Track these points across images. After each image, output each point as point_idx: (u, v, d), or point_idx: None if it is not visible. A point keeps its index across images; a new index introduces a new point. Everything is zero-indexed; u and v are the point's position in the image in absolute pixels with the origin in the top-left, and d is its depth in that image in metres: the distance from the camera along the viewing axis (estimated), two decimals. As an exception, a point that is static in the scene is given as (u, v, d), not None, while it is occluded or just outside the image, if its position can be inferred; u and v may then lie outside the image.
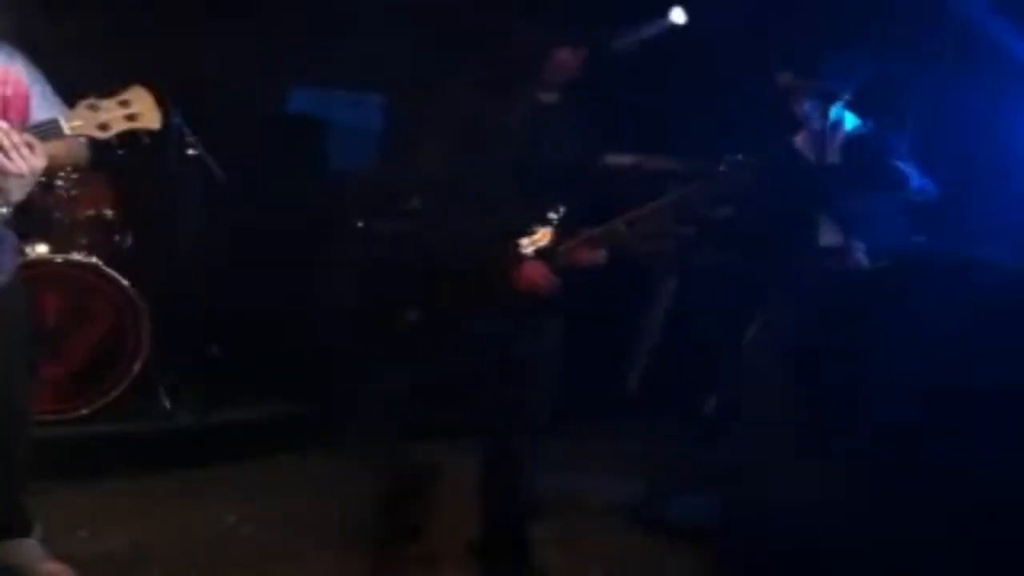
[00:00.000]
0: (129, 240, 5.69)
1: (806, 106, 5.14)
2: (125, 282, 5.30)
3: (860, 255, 5.00)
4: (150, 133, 3.42)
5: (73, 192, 5.36)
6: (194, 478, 5.12)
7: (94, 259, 5.31)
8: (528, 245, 3.72)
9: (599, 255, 3.83)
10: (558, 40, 3.72)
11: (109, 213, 5.56)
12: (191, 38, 6.48)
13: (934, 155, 5.26)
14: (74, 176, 5.30)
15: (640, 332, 6.87)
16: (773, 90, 5.18)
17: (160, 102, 3.45)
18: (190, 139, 5.62)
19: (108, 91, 3.37)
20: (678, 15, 6.94)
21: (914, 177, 5.02)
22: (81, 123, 3.28)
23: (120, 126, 3.31)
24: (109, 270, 5.29)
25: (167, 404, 5.38)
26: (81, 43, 5.98)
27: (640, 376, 6.84)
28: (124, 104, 3.32)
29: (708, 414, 5.58)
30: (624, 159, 5.90)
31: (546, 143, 3.77)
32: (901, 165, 5.04)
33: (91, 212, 5.48)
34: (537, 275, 3.67)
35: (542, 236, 3.74)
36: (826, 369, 3.98)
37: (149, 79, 5.57)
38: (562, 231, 3.77)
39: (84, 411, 5.17)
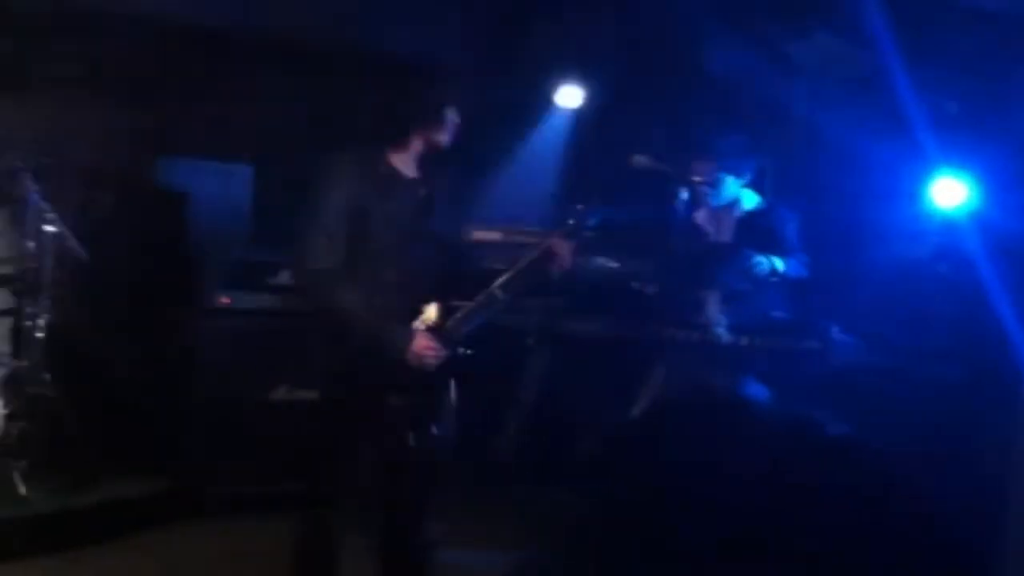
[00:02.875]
0: (-16, 318, 5.55)
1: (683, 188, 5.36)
2: (-23, 364, 5.16)
3: (721, 330, 5.13)
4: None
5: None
6: (54, 565, 4.98)
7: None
8: (419, 324, 3.85)
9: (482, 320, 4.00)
10: (452, 99, 3.95)
11: (-37, 291, 5.42)
12: (58, 106, 6.41)
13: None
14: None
15: (513, 402, 6.91)
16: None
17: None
18: (48, 215, 5.53)
19: None
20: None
21: (774, 259, 5.23)
22: None
23: None
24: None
25: (23, 489, 5.20)
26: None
27: (513, 446, 6.87)
28: None
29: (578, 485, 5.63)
30: (492, 234, 5.96)
31: (421, 221, 3.93)
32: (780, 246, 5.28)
33: (-56, 291, 5.34)
34: (424, 346, 3.80)
35: (429, 314, 3.88)
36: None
37: (10, 152, 5.57)
38: (446, 305, 3.92)
39: (-66, 500, 4.99)
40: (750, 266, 5.19)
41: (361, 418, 3.85)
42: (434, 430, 3.89)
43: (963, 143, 5.50)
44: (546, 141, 7.61)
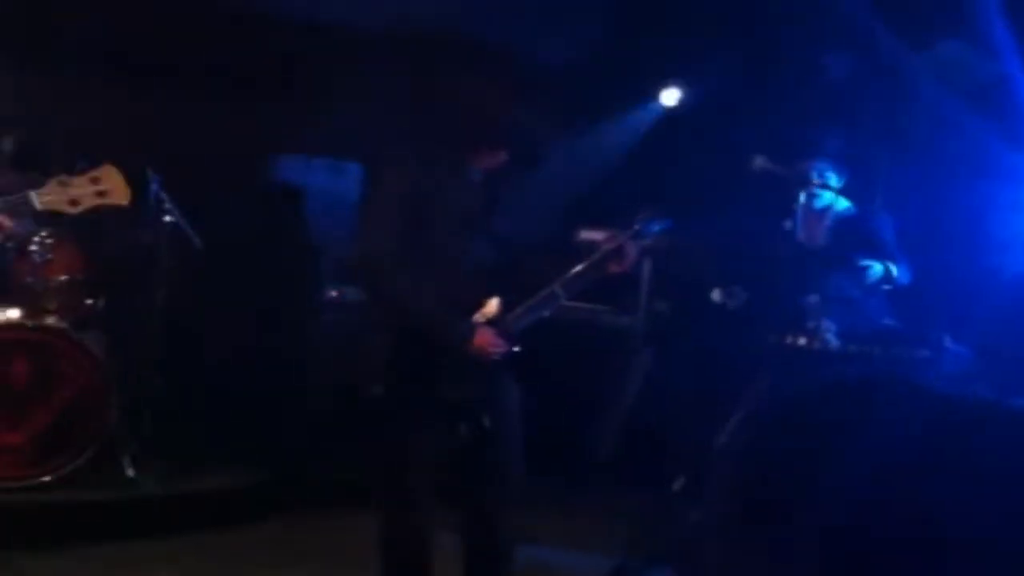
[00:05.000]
0: (101, 304, 5.67)
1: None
2: (94, 349, 5.28)
3: (830, 336, 5.03)
4: (119, 208, 3.53)
5: (47, 257, 5.35)
6: (157, 547, 5.06)
7: (64, 325, 5.30)
8: (479, 318, 3.82)
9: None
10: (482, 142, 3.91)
11: (82, 277, 5.54)
12: (175, 105, 6.57)
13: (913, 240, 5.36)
14: (48, 241, 5.32)
15: (612, 403, 6.87)
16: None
17: (131, 178, 3.54)
18: (167, 205, 5.65)
19: (80, 169, 3.48)
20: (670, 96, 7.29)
21: (890, 264, 5.11)
22: (52, 198, 3.40)
23: (90, 202, 3.44)
24: (78, 336, 5.27)
25: (131, 472, 5.32)
26: (69, 112, 6.09)
27: (610, 447, 6.82)
28: (95, 181, 3.44)
29: (676, 492, 5.57)
30: (597, 234, 5.93)
31: (482, 216, 3.94)
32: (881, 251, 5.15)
33: (64, 277, 5.45)
34: (486, 340, 3.78)
35: (490, 307, 3.85)
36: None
37: (132, 146, 5.71)
38: (507, 301, 3.89)
39: (47, 478, 5.11)
40: (862, 270, 5.08)
41: (417, 409, 3.82)
42: (487, 423, 3.83)
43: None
44: (655, 143, 7.61)
